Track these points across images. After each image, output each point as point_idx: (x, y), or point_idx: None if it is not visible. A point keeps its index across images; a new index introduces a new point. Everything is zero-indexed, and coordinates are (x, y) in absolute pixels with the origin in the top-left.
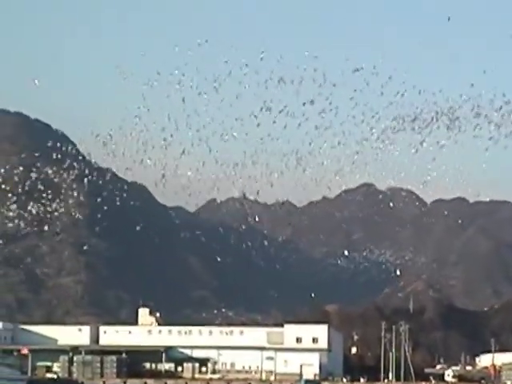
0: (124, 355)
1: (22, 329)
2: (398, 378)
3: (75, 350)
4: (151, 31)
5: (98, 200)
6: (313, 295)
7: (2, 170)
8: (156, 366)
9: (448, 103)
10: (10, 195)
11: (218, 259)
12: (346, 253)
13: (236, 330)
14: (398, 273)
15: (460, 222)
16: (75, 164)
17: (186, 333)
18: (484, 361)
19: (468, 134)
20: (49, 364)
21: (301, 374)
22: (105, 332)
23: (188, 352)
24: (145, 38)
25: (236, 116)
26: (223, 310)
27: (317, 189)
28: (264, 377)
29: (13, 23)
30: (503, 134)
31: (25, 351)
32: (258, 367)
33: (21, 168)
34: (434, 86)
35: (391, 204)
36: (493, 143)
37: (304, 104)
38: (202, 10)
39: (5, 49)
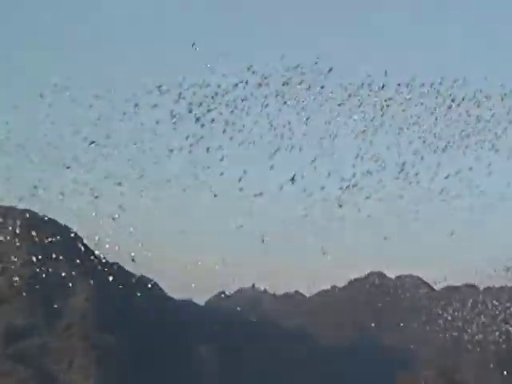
0: None
1: None
2: None
3: None
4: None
5: (107, 294)
6: None
7: (12, 266)
8: None
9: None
10: (18, 291)
11: (230, 351)
12: (355, 341)
13: None
14: (409, 360)
15: (470, 308)
16: (83, 259)
17: None
18: None
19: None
20: None
21: None
22: None
23: None
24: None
25: (243, 212)
26: None
27: (326, 278)
28: None
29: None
30: None
31: None
32: None
33: (29, 264)
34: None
35: (400, 291)
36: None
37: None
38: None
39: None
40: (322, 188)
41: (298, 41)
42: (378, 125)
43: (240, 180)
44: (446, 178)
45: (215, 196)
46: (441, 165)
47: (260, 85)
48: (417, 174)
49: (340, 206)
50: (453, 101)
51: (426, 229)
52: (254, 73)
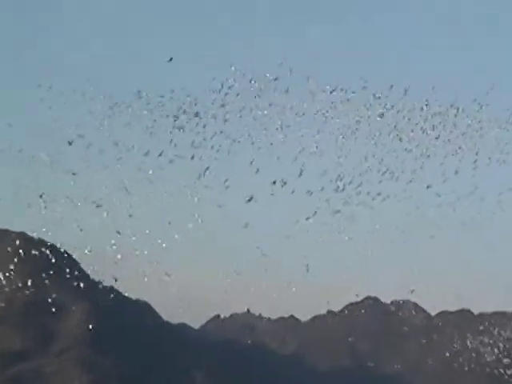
0: None
1: None
2: None
3: None
4: None
5: (103, 318)
6: None
7: (7, 289)
8: None
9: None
10: (13, 314)
11: (225, 375)
12: (351, 366)
13: None
14: None
15: (465, 333)
16: (79, 282)
17: None
18: None
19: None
20: None
21: None
22: None
23: None
24: None
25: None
26: None
27: (322, 303)
28: None
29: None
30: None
31: None
32: None
33: (24, 288)
34: None
35: (395, 317)
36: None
37: (307, 218)
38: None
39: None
40: (309, 192)
41: (273, 50)
42: (357, 131)
43: (226, 186)
44: (428, 187)
45: (219, 207)
46: (423, 169)
47: (238, 94)
48: (398, 177)
49: (338, 211)
50: (423, 109)
51: (420, 253)
52: (235, 80)
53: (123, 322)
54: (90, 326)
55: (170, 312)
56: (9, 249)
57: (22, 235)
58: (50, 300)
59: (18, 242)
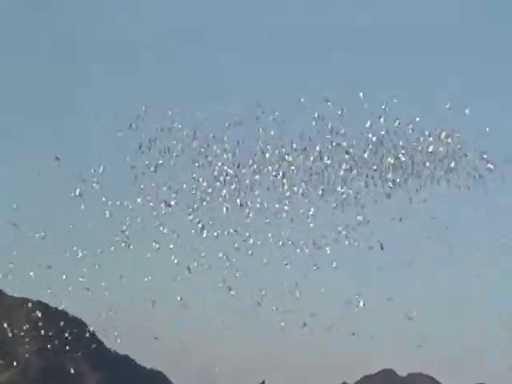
0: None
1: None
2: None
3: None
4: None
5: None
6: None
7: (22, 356)
8: None
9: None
10: (28, 382)
11: None
12: None
13: None
14: None
15: None
16: (92, 352)
17: None
18: None
19: None
20: None
21: None
22: None
23: None
24: None
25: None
26: None
27: (337, 375)
28: None
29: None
30: None
31: None
32: None
33: (39, 355)
34: None
35: None
36: None
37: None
38: None
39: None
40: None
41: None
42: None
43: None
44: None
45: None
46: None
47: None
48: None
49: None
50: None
51: (436, 328)
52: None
53: None
54: None
55: (184, 380)
56: (25, 317)
57: (40, 304)
58: (64, 369)
59: (34, 310)
